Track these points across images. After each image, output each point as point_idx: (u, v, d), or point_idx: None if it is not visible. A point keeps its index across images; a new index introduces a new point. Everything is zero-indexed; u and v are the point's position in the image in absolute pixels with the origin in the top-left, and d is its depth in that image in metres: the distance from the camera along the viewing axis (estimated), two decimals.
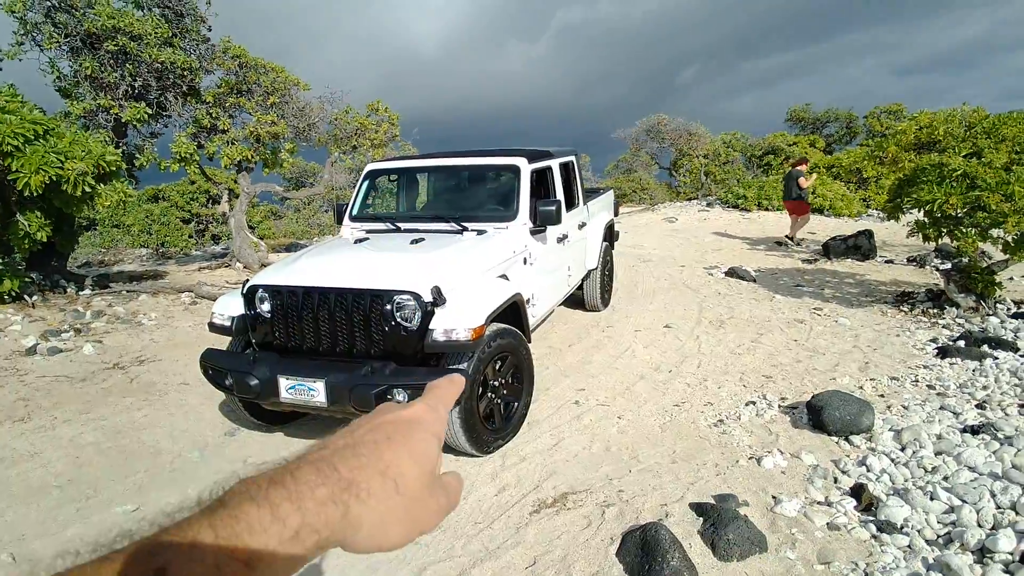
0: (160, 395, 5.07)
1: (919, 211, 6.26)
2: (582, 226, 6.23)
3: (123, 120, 7.77)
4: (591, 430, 4.14)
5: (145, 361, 5.87)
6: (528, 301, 4.68)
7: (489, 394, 3.82)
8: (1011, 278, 8.29)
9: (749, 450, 3.69)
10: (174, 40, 8.42)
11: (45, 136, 6.15)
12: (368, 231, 4.91)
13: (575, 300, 7.23)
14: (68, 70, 8.18)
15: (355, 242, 4.47)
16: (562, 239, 5.50)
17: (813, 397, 4.06)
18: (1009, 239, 5.71)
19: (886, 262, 10.00)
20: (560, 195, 5.56)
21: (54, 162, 5.93)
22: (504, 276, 4.33)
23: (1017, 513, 2.81)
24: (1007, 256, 5.88)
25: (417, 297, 3.46)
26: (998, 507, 2.88)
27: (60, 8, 7.29)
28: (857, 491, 3.06)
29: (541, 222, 4.73)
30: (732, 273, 9.22)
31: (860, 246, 10.18)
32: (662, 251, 11.81)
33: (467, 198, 5.27)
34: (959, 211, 5.82)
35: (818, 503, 3.03)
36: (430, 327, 3.44)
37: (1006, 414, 4.00)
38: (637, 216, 17.60)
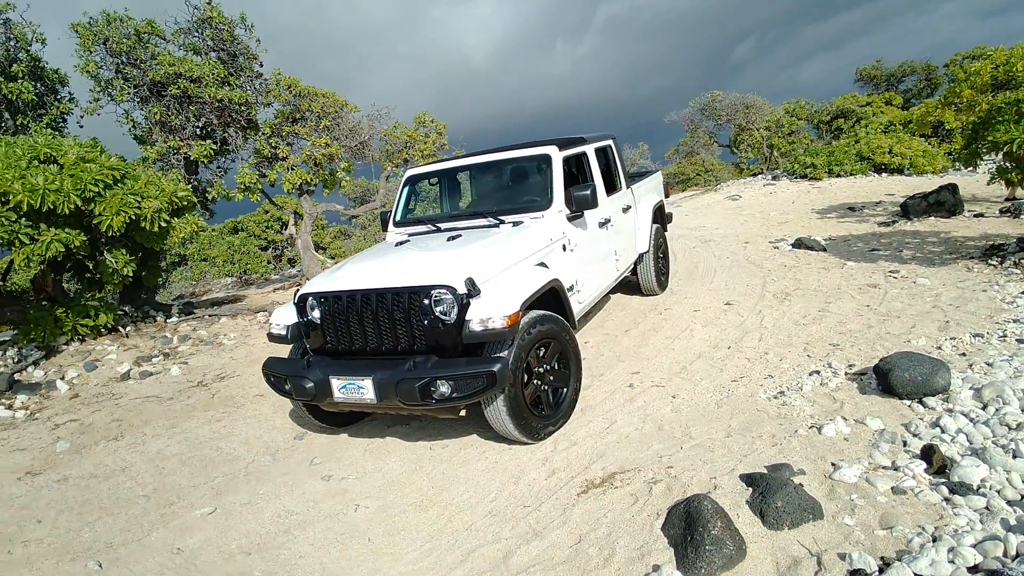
0: (237, 407, 5.42)
1: (998, 154, 5.73)
2: (627, 209, 6.13)
3: (192, 158, 8.37)
4: (644, 411, 4.06)
5: (225, 377, 6.28)
6: (571, 287, 4.67)
7: (535, 381, 3.83)
8: None
9: (810, 419, 3.50)
10: (230, 79, 8.99)
11: (123, 180, 6.73)
12: (410, 234, 5.05)
13: (631, 286, 7.11)
14: (141, 118, 8.91)
15: (396, 245, 4.62)
16: (604, 223, 5.43)
17: (881, 360, 3.80)
18: None
19: (975, 216, 9.18)
20: (598, 180, 5.50)
21: (132, 203, 6.47)
22: (543, 264, 4.33)
23: None
24: None
25: (452, 290, 3.53)
26: None
27: (128, 63, 7.97)
28: (927, 453, 2.83)
29: (577, 207, 4.70)
30: (799, 244, 8.76)
31: (943, 202, 9.41)
32: (724, 230, 11.38)
33: (503, 192, 5.31)
34: None
35: (883, 468, 2.84)
36: (466, 318, 3.50)
37: None
38: (699, 198, 17.06)
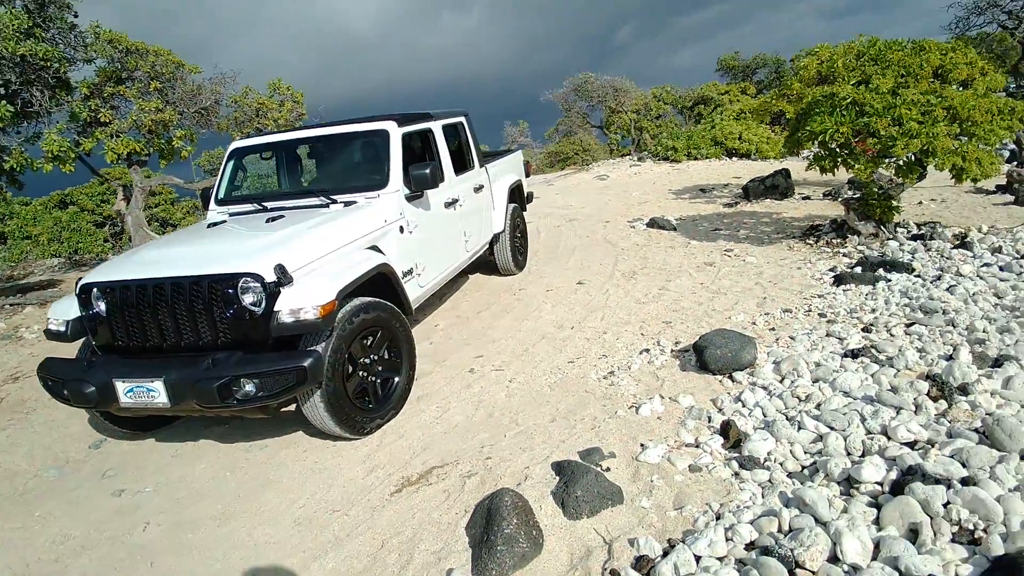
0: (28, 413, 4.68)
1: (815, 143, 6.23)
2: (479, 189, 5.99)
3: None
4: (479, 397, 3.97)
5: (20, 378, 5.42)
6: (410, 271, 4.46)
7: (361, 372, 3.60)
8: (920, 203, 8.46)
9: (632, 399, 3.58)
10: (35, 31, 7.68)
11: None
12: (232, 214, 4.56)
13: (490, 265, 7.03)
14: None
15: (208, 226, 4.14)
16: (452, 203, 5.25)
17: (700, 338, 3.98)
18: (901, 163, 5.73)
19: (803, 199, 10.09)
20: (444, 158, 5.29)
21: None
22: (375, 247, 4.07)
23: (888, 438, 2.73)
24: (901, 180, 5.91)
25: (259, 278, 3.19)
26: (868, 432, 2.82)
27: None
28: (725, 428, 2.98)
29: (416, 187, 4.47)
30: (653, 224, 9.15)
31: (777, 185, 10.25)
32: (590, 209, 11.68)
33: (338, 169, 4.96)
34: (851, 139, 5.80)
35: (686, 445, 2.94)
36: (275, 309, 3.18)
37: (891, 335, 4.00)
38: (570, 177, 17.44)
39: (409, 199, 4.53)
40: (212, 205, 4.78)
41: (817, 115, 6.08)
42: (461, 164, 5.80)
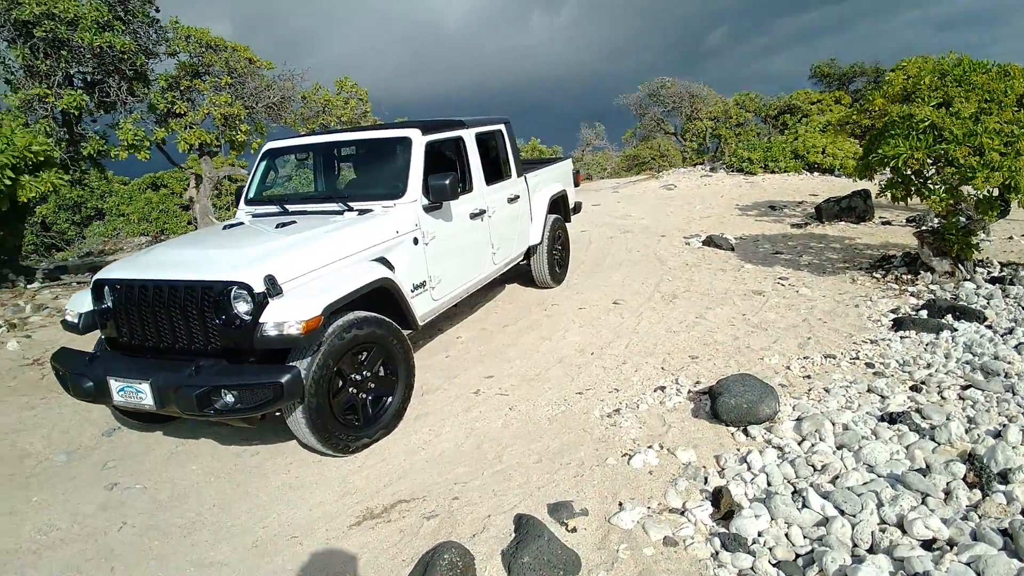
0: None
1: (887, 168, 5.62)
2: (514, 199, 5.80)
3: (60, 109, 7.61)
4: (474, 424, 3.80)
5: None
6: (422, 284, 4.34)
7: (350, 389, 3.51)
8: (1011, 237, 7.53)
9: (631, 444, 3.29)
10: (115, 23, 8.17)
11: None
12: (256, 215, 4.61)
13: (529, 276, 6.82)
14: (13, 61, 8.04)
15: (224, 228, 4.18)
16: (479, 214, 5.10)
17: (717, 382, 3.63)
18: (980, 196, 5.06)
19: (882, 223, 9.25)
20: (475, 167, 5.15)
21: None
22: (383, 259, 3.97)
23: (904, 532, 2.33)
24: (980, 215, 5.22)
25: (248, 288, 3.15)
26: (882, 522, 2.43)
27: None
28: (716, 496, 2.65)
29: (435, 198, 4.35)
30: (709, 242, 8.65)
31: (854, 207, 9.44)
32: (648, 220, 11.24)
33: (360, 175, 4.91)
34: (926, 166, 5.18)
35: (670, 511, 2.64)
36: (260, 321, 3.13)
37: (942, 398, 3.49)
38: (637, 185, 16.90)
39: (428, 209, 4.41)
40: (241, 204, 4.85)
41: (891, 137, 5.48)
42: (496, 173, 5.63)
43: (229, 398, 3.07)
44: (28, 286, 7.53)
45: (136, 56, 8.18)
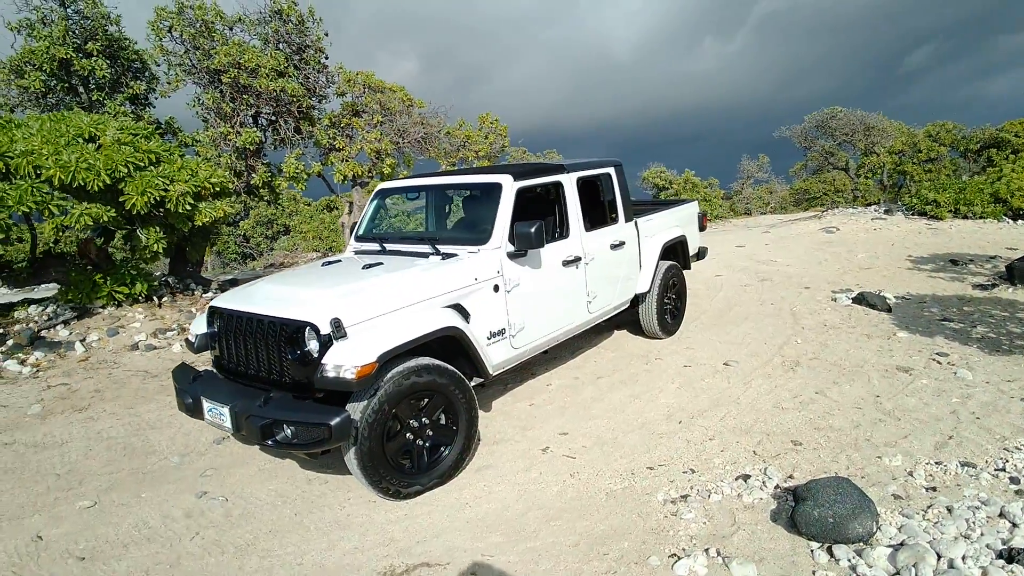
0: None
1: None
2: (618, 246, 5.57)
3: (238, 145, 8.84)
4: (529, 486, 3.64)
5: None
6: (500, 332, 4.30)
7: (408, 435, 3.56)
8: None
9: (686, 543, 2.93)
10: (289, 70, 9.34)
11: (158, 163, 7.21)
12: (359, 251, 4.91)
13: (638, 324, 6.49)
14: (207, 102, 9.53)
15: (322, 265, 4.50)
16: (573, 261, 4.96)
17: (807, 483, 3.11)
18: None
19: None
20: (574, 213, 5.03)
21: (159, 185, 6.90)
22: (458, 305, 4.00)
23: None
24: None
25: (315, 328, 3.34)
26: None
27: (193, 48, 8.53)
28: None
29: (520, 245, 4.31)
30: (861, 299, 7.60)
31: None
32: (794, 269, 10.20)
33: (455, 218, 5.02)
34: None
35: None
36: (322, 362, 3.30)
37: None
38: (794, 225, 15.48)
39: (513, 256, 4.38)
40: (351, 240, 5.21)
41: None
42: (599, 219, 5.45)
43: (288, 432, 3.26)
44: (204, 295, 8.76)
45: (303, 99, 9.27)
